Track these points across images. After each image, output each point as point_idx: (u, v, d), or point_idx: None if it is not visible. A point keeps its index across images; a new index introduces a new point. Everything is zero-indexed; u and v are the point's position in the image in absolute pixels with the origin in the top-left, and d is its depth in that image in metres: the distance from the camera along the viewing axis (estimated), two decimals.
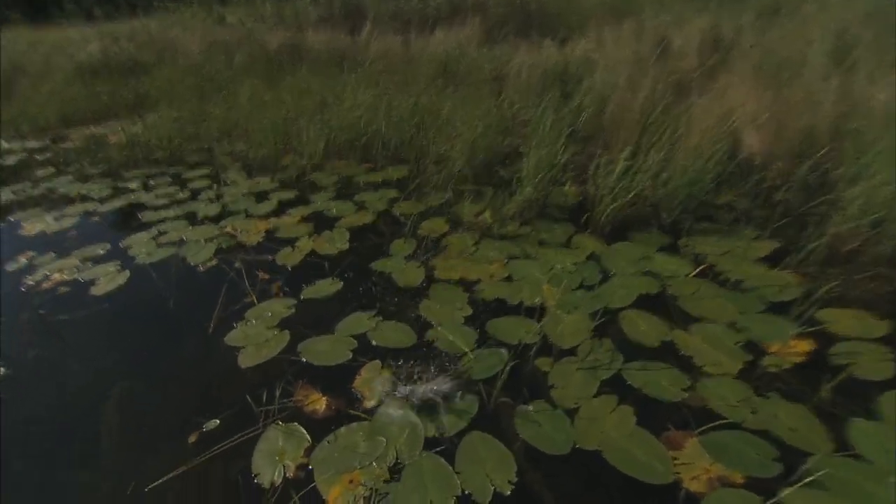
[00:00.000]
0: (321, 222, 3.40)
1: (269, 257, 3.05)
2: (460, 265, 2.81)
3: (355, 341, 2.32)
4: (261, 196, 3.90)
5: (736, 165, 3.27)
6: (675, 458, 1.70)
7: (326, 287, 2.72)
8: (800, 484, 1.56)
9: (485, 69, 5.34)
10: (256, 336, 2.41)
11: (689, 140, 3.28)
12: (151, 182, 4.45)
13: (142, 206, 3.95)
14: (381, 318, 2.46)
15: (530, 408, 1.92)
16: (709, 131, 3.23)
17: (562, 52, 5.53)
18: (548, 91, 4.30)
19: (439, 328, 2.35)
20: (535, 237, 3.01)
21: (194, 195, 4.08)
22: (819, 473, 1.58)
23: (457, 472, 1.69)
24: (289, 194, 3.85)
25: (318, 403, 2.03)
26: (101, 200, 4.15)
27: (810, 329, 2.20)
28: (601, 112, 4.06)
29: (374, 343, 2.31)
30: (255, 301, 2.66)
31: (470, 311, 2.46)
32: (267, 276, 2.87)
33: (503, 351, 2.19)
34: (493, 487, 1.64)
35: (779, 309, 2.34)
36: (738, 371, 2.03)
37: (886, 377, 1.96)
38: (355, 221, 3.37)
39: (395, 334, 2.36)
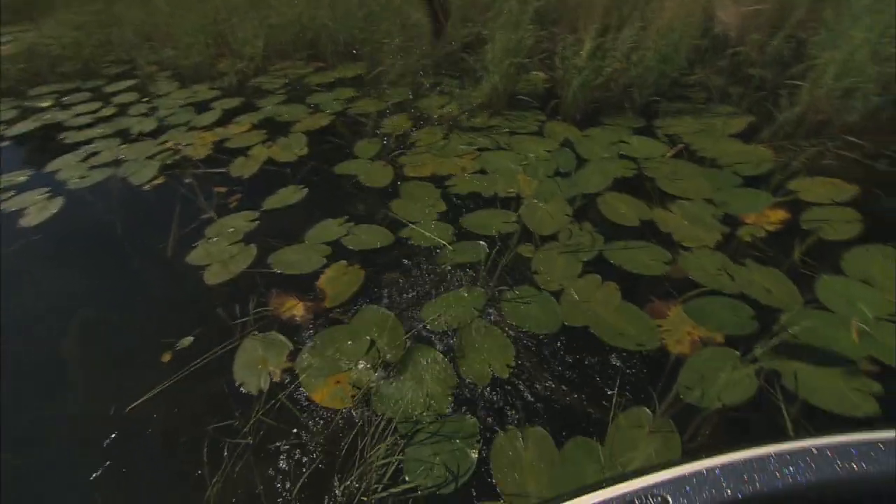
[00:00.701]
0: (274, 128, 3.22)
1: (223, 169, 2.89)
2: (430, 161, 2.75)
3: (328, 248, 2.29)
4: (201, 106, 3.63)
5: (710, 41, 3.24)
6: (660, 326, 1.81)
7: (290, 195, 2.63)
8: (773, 339, 1.71)
9: None
10: (220, 253, 2.33)
11: (662, 15, 3.18)
12: (65, 99, 4.05)
13: (60, 127, 3.62)
14: (352, 222, 2.42)
15: (516, 292, 1.97)
16: (683, 4, 3.14)
17: None
18: None
19: (414, 226, 2.34)
20: (505, 127, 2.95)
21: (122, 110, 3.76)
22: (790, 326, 1.73)
23: (454, 361, 1.76)
24: (233, 102, 3.60)
25: (296, 309, 2.02)
26: (8, 123, 3.78)
27: (784, 199, 2.30)
28: None
29: (350, 247, 2.28)
30: (215, 217, 2.55)
31: (444, 207, 2.44)
32: (223, 190, 2.74)
33: (482, 243, 2.21)
34: (491, 372, 1.72)
35: (754, 182, 2.43)
36: (716, 243, 2.13)
37: (852, 236, 2.10)
38: (311, 125, 3.20)
39: (369, 236, 2.33)
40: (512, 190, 2.49)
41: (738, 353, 1.69)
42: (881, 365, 1.61)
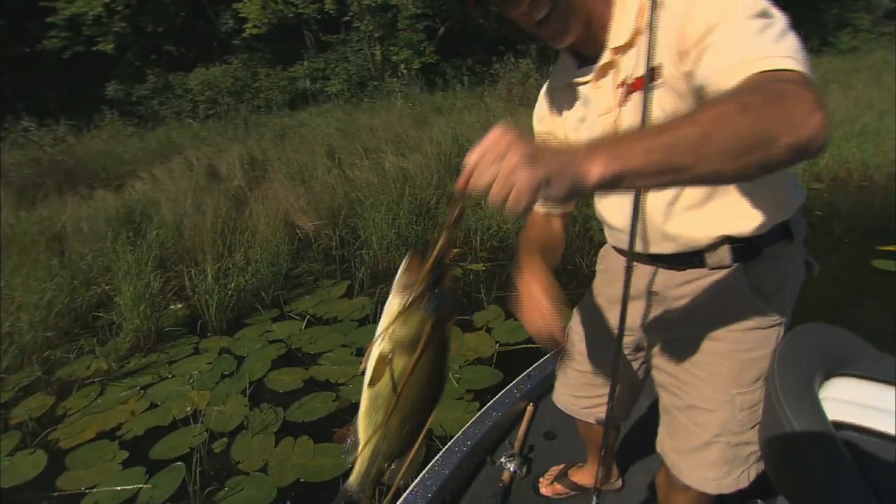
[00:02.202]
0: None
1: None
2: (92, 422, 2.46)
3: None
4: None
5: (299, 241, 4.10)
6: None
7: None
8: None
9: (32, 232, 4.49)
10: None
11: (261, 233, 3.88)
12: None
13: None
14: None
15: (227, 488, 2.01)
16: (270, 223, 3.92)
17: (120, 196, 5.29)
18: (119, 233, 4.10)
19: (97, 489, 2.06)
20: (163, 359, 2.93)
21: None
22: None
23: None
24: None
25: None
26: None
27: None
28: (180, 236, 4.20)
29: None
30: None
31: (126, 454, 2.25)
32: None
33: (179, 464, 2.16)
34: None
35: (365, 322, 3.17)
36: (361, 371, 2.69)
37: None
38: None
39: None
40: (189, 408, 2.50)
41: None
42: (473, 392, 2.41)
